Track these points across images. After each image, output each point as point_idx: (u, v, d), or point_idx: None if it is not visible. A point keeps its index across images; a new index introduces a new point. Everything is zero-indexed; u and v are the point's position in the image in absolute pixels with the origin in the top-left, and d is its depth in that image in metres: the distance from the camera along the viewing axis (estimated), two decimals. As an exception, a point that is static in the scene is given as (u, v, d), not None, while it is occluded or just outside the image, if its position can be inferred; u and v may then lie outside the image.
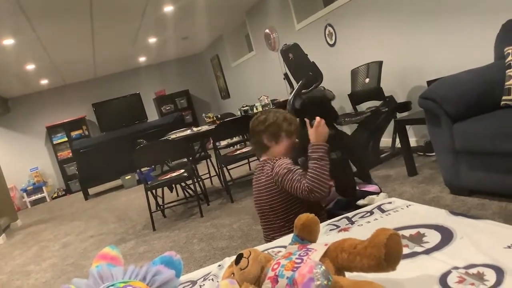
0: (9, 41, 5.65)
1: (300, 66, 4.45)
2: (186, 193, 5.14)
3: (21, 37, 5.62)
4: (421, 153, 4.15)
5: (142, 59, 10.02)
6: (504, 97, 2.64)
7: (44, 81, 9.31)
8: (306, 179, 1.75)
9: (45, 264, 4.22)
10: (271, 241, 1.49)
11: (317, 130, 1.82)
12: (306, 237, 1.07)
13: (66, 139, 10.18)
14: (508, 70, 2.65)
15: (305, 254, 0.97)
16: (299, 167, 1.91)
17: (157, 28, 7.23)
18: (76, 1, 4.78)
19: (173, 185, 5.30)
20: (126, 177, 8.16)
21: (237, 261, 1.01)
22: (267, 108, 5.09)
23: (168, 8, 6.11)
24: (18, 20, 4.95)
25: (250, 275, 0.98)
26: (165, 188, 5.15)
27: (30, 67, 7.53)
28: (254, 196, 2.10)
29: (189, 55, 11.33)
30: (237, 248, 3.00)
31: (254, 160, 5.90)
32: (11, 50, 6.05)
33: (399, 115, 4.31)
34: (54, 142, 10.15)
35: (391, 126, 4.34)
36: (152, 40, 8.10)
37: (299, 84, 4.46)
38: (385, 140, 4.59)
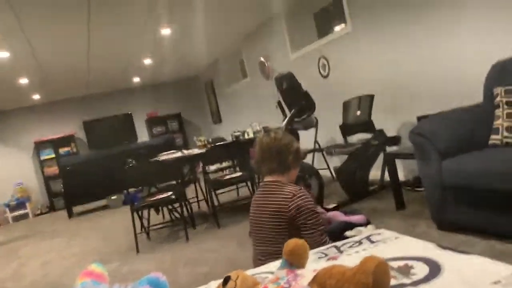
0: (3, 54, 5.64)
1: (293, 94, 4.52)
2: (173, 216, 5.09)
3: (16, 50, 5.62)
4: (410, 188, 4.18)
5: (136, 79, 10.05)
6: (492, 136, 2.69)
7: (35, 96, 9.28)
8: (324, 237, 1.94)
9: (25, 281, 4.11)
10: (262, 264, 1.48)
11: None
12: (295, 262, 1.06)
13: (53, 155, 10.08)
14: (497, 110, 2.71)
15: (293, 279, 0.96)
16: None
17: (153, 49, 7.29)
18: (73, 11, 4.78)
19: (160, 207, 5.25)
20: (112, 197, 8.07)
21: (224, 283, 1.01)
22: (259, 135, 5.11)
23: (166, 31, 6.18)
24: (15, 34, 4.97)
25: (237, 299, 0.97)
26: (151, 210, 5.10)
27: (23, 81, 7.52)
28: (257, 214, 2.07)
29: (183, 78, 11.41)
30: (222, 274, 2.95)
31: (242, 186, 5.89)
32: (5, 64, 6.05)
33: (389, 149, 4.35)
34: (41, 158, 10.04)
35: (380, 159, 4.38)
36: (147, 61, 8.15)
37: (291, 112, 4.52)
38: (374, 173, 4.62)
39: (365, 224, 2.23)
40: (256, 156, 2.15)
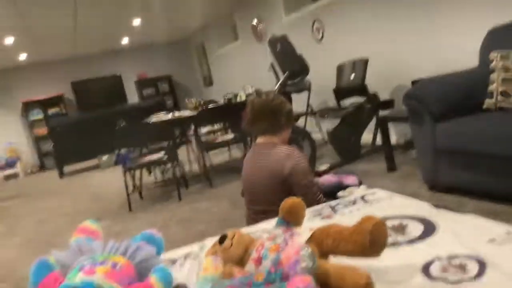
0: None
1: (287, 57, 4.45)
2: (165, 177, 5.10)
3: (1, 8, 5.43)
4: (401, 150, 4.20)
5: (125, 39, 9.80)
6: (486, 101, 2.69)
7: (22, 56, 9.04)
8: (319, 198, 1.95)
9: (17, 240, 4.13)
10: (256, 222, 1.49)
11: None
12: (292, 220, 1.06)
13: (42, 116, 9.95)
14: (492, 75, 2.70)
15: (289, 237, 0.97)
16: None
17: (143, 9, 7.09)
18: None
19: (152, 168, 5.25)
20: (103, 157, 8.04)
21: (220, 241, 1.01)
22: (251, 97, 5.07)
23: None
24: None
25: (234, 256, 0.97)
26: (144, 170, 5.09)
27: (9, 40, 7.30)
28: (250, 175, 2.07)
29: (174, 40, 11.14)
30: (216, 232, 2.98)
31: (234, 148, 5.90)
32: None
33: (382, 113, 4.34)
34: (30, 119, 9.92)
35: (372, 122, 4.38)
36: (137, 20, 7.92)
37: (285, 75, 4.47)
38: (366, 136, 4.63)
39: (357, 184, 2.25)
40: (247, 116, 2.13)
